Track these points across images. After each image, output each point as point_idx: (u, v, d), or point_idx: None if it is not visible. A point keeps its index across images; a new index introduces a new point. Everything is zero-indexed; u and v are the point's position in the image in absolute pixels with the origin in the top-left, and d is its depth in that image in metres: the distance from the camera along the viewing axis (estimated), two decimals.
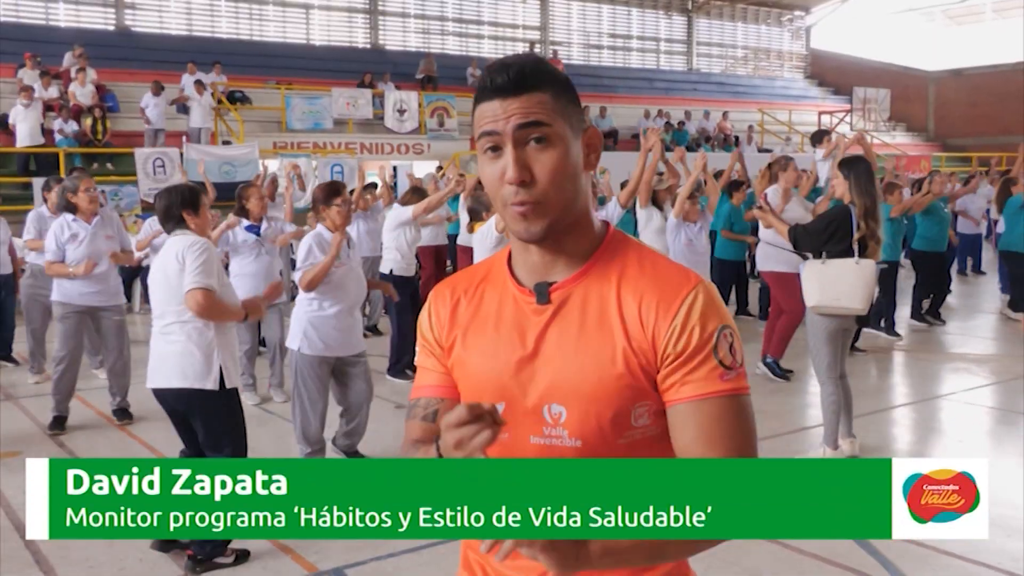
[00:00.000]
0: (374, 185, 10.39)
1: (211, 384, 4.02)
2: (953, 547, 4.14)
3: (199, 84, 16.02)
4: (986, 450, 5.73)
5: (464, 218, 9.95)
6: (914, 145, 28.00)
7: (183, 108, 16.23)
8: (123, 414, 6.44)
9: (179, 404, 4.10)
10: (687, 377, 1.35)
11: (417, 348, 1.58)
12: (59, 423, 6.23)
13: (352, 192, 7.45)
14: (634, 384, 1.37)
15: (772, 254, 7.30)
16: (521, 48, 25.50)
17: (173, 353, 4.03)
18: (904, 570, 3.88)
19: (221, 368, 4.05)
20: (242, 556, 4.09)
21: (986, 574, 3.88)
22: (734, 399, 1.36)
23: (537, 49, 24.23)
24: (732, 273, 9.73)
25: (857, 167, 5.08)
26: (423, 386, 1.55)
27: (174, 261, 4.02)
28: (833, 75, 31.60)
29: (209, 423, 4.07)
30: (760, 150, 22.65)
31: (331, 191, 5.18)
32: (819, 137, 11.57)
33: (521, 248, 1.46)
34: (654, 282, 1.39)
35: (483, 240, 6.51)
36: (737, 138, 22.75)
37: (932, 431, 6.13)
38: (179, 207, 4.14)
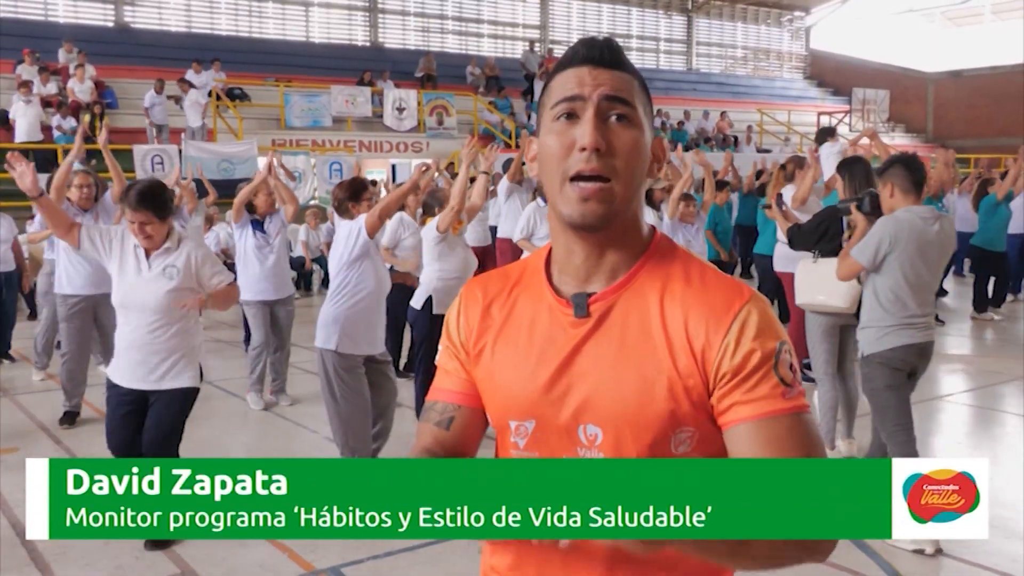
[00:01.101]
0: (373, 182, 10.38)
1: (196, 382, 4.24)
2: (950, 548, 4.14)
3: (183, 82, 16.01)
4: (983, 451, 5.74)
5: (500, 209, 9.80)
6: (913, 146, 27.96)
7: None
8: None
9: (143, 401, 4.18)
10: (746, 396, 1.26)
11: (440, 347, 1.48)
12: (69, 418, 6.27)
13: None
14: (676, 409, 1.28)
15: (788, 255, 7.28)
16: (521, 47, 25.49)
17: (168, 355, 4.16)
18: (902, 570, 3.88)
19: (200, 367, 4.26)
20: None
21: (983, 575, 3.88)
22: (798, 417, 1.27)
23: (536, 48, 24.19)
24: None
25: (853, 167, 5.08)
26: (442, 389, 1.46)
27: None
28: (832, 76, 31.63)
29: (173, 421, 4.20)
30: (759, 150, 22.65)
31: (359, 186, 5.13)
32: (824, 135, 11.56)
33: (564, 248, 1.35)
34: (702, 296, 1.29)
35: (426, 238, 6.09)
36: (736, 138, 22.76)
37: (929, 432, 6.13)
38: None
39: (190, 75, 16.76)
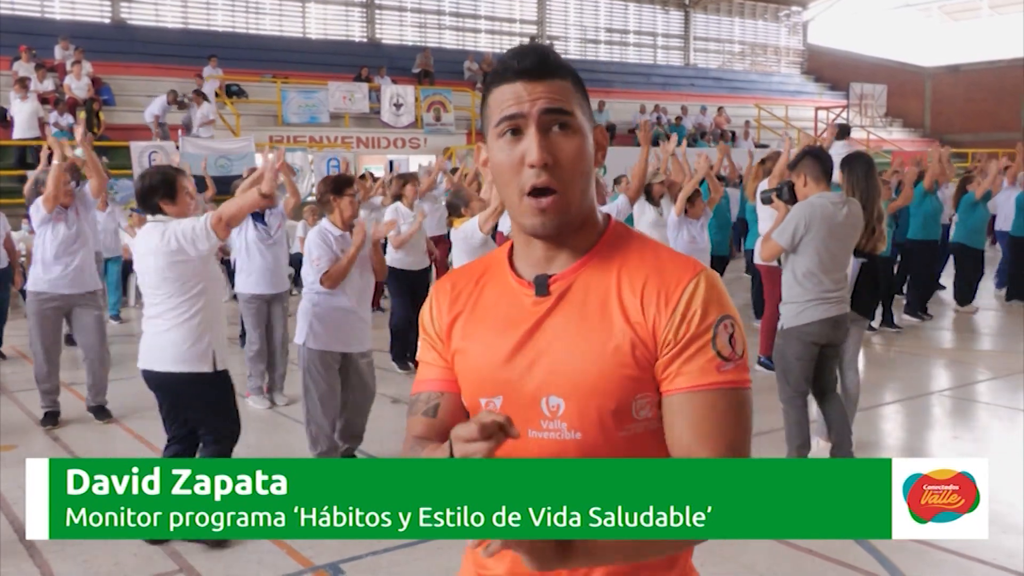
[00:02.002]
0: (376, 178, 10.40)
1: (207, 367, 4.13)
2: (949, 544, 4.15)
3: (198, 94, 15.90)
4: (981, 446, 5.75)
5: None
6: (910, 141, 28.01)
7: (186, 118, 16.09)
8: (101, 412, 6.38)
9: (173, 389, 4.15)
10: (683, 367, 1.32)
11: (419, 343, 1.56)
12: (50, 418, 6.21)
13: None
14: (635, 376, 1.34)
15: None
16: (519, 42, 25.41)
17: (167, 339, 4.10)
18: (900, 566, 3.89)
19: (214, 351, 4.16)
20: None
21: (982, 570, 3.89)
22: (730, 392, 1.32)
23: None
24: (718, 268, 9.77)
25: (854, 163, 5.10)
26: (424, 380, 1.53)
27: (163, 245, 4.05)
28: (830, 71, 31.61)
29: (206, 406, 4.18)
30: (757, 145, 22.64)
31: (343, 182, 5.14)
32: (843, 133, 11.51)
33: (524, 243, 1.43)
34: (656, 271, 1.36)
35: (467, 240, 6.01)
36: (733, 134, 22.75)
37: (926, 427, 6.14)
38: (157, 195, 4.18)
39: (205, 87, 16.55)
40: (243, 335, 7.45)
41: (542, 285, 1.40)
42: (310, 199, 14.29)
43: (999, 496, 4.74)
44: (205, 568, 3.97)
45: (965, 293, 10.57)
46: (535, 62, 1.35)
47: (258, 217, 6.62)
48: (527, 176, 1.33)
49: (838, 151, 10.02)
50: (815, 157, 4.80)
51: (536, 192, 1.33)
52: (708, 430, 1.30)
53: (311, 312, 5.00)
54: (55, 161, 5.93)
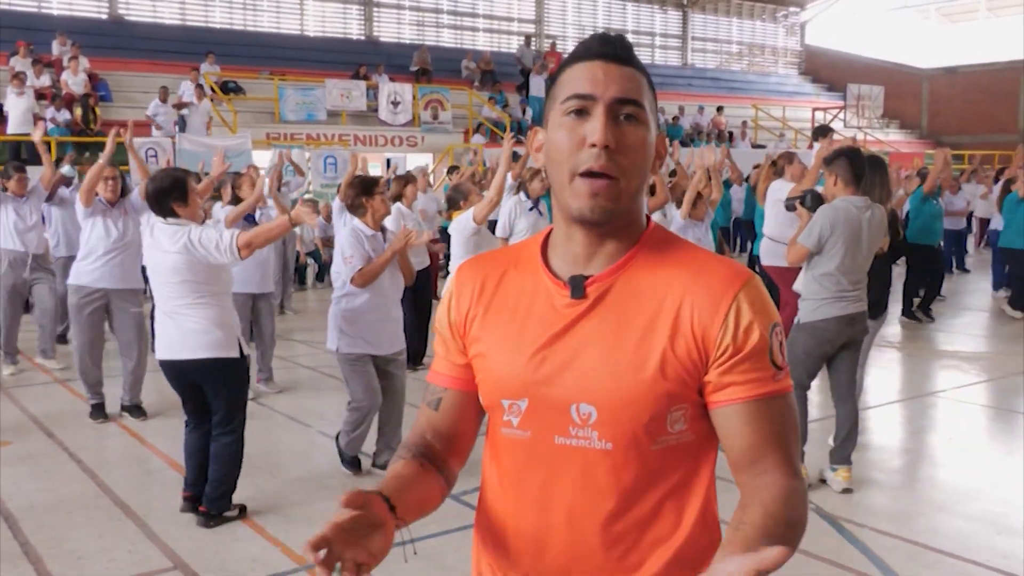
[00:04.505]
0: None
1: (233, 352, 4.32)
2: (943, 544, 4.16)
3: (200, 89, 15.84)
4: (976, 447, 5.75)
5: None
6: (907, 142, 28.05)
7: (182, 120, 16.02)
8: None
9: (200, 375, 4.31)
10: (742, 377, 1.29)
11: (436, 330, 1.52)
12: (98, 410, 6.27)
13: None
14: (673, 389, 1.29)
15: (774, 249, 7.33)
16: (516, 41, 25.46)
17: (195, 329, 4.25)
18: (894, 567, 3.89)
19: (239, 337, 4.38)
20: (243, 509, 4.53)
21: (975, 571, 3.89)
22: (784, 400, 1.32)
23: (532, 42, 24.14)
24: None
25: (873, 165, 5.18)
26: (434, 372, 1.50)
27: (186, 249, 4.20)
28: (827, 71, 31.65)
29: (230, 390, 4.37)
30: (754, 146, 22.67)
31: (371, 182, 5.16)
32: (819, 133, 11.54)
33: (564, 235, 1.37)
34: (700, 277, 1.31)
35: (460, 231, 6.17)
36: (731, 134, 22.76)
37: (923, 428, 6.15)
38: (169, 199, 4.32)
39: (190, 83, 16.48)
40: None
41: (578, 287, 1.33)
42: (307, 196, 14.30)
43: (994, 497, 4.75)
44: (200, 566, 3.96)
45: (1021, 297, 10.34)
46: (618, 48, 1.31)
47: (249, 218, 6.66)
48: (585, 156, 1.28)
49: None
50: (849, 159, 4.85)
51: (591, 174, 1.28)
52: (774, 435, 1.30)
53: (340, 317, 4.98)
54: (100, 160, 6.10)
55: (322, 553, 1.09)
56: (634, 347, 1.30)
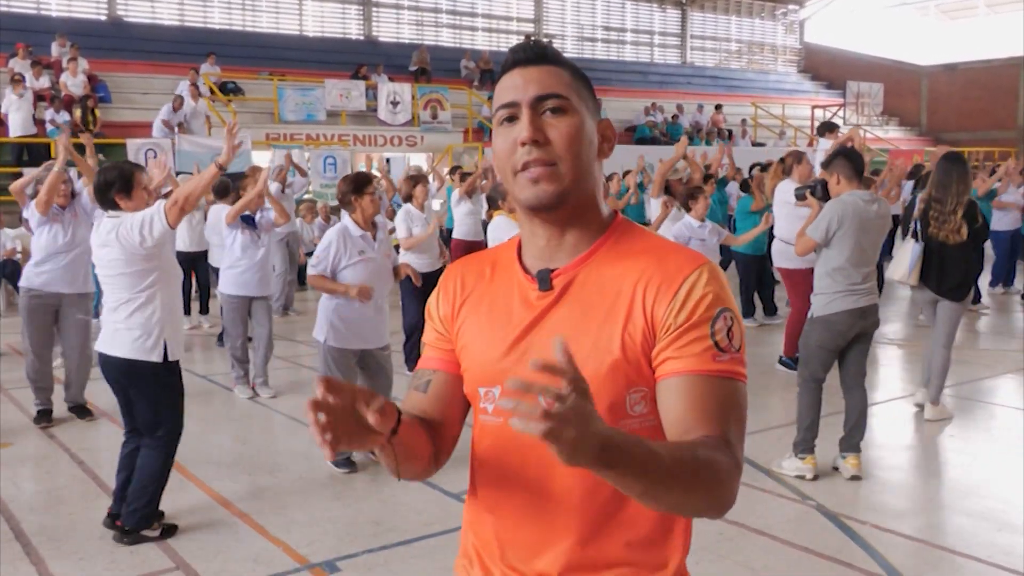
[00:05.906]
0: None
1: (155, 357, 4.14)
2: (944, 540, 4.16)
3: (195, 88, 15.81)
4: (975, 443, 5.75)
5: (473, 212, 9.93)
6: (907, 139, 28.04)
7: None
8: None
9: (122, 374, 4.18)
10: (679, 352, 1.32)
11: (425, 326, 1.60)
12: (44, 416, 6.20)
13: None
14: (629, 370, 1.34)
15: (785, 251, 7.34)
16: (515, 40, 25.41)
17: (120, 327, 4.14)
18: (897, 564, 3.89)
19: (165, 342, 4.17)
20: (168, 530, 4.26)
21: (977, 567, 3.88)
22: (727, 381, 1.31)
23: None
24: None
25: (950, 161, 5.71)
26: (425, 359, 1.57)
27: (118, 238, 4.10)
28: (826, 69, 31.63)
29: (149, 395, 4.19)
30: (753, 144, 22.67)
31: (363, 180, 5.19)
32: (825, 128, 11.58)
33: (528, 231, 1.45)
34: (658, 264, 1.37)
35: (507, 230, 6.30)
36: (730, 132, 22.75)
37: (925, 426, 6.14)
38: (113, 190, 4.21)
39: (186, 81, 16.48)
40: (221, 336, 7.50)
41: (545, 280, 1.41)
42: (306, 197, 14.31)
43: (994, 494, 4.75)
44: (201, 566, 3.96)
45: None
46: (529, 51, 1.41)
47: (249, 221, 6.65)
48: (520, 154, 1.36)
49: (823, 148, 10.05)
50: (847, 157, 5.08)
51: (527, 166, 1.37)
52: (708, 411, 1.29)
53: (332, 310, 5.06)
54: (56, 168, 5.95)
55: (322, 416, 1.17)
56: (595, 333, 1.36)
